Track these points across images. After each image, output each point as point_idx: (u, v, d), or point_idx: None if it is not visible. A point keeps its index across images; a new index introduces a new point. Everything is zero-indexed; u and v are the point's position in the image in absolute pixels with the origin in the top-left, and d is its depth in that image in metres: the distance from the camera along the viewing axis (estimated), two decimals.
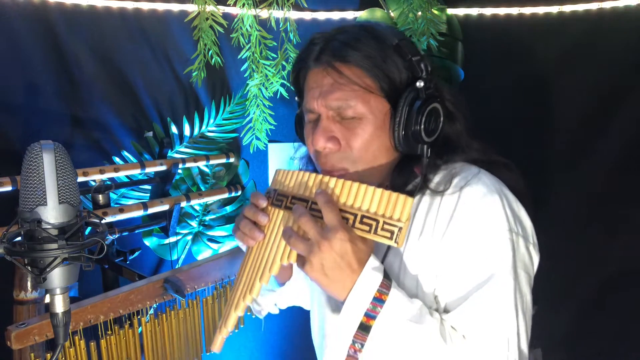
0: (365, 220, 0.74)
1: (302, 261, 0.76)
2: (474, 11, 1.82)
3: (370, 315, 0.73)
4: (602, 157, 1.77)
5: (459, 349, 0.75)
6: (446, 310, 0.81)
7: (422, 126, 0.82)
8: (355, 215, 0.75)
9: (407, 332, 0.74)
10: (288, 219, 0.81)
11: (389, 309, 0.73)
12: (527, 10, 1.77)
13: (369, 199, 0.75)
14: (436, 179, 0.86)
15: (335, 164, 0.86)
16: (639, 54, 1.67)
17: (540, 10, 1.76)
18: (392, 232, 0.72)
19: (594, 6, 1.72)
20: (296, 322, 1.17)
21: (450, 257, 0.80)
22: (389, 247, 0.84)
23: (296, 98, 0.96)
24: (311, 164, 0.97)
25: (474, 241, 0.79)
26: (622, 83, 1.71)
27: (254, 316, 1.13)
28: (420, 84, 0.81)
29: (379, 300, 0.73)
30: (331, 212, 0.74)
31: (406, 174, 0.85)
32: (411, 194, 0.78)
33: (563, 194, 1.79)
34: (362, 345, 0.74)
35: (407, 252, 0.84)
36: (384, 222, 0.73)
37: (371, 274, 0.74)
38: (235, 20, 1.61)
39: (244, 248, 0.90)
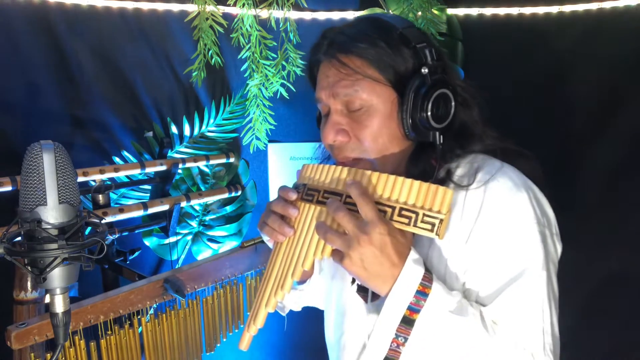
0: (404, 212, 0.73)
1: (339, 255, 0.76)
2: (474, 11, 1.82)
3: (413, 309, 0.73)
4: (602, 157, 1.77)
5: (501, 338, 0.76)
6: (479, 305, 0.81)
7: (430, 112, 0.81)
8: (393, 208, 0.74)
9: (450, 324, 0.74)
10: (320, 214, 0.81)
11: (432, 302, 0.73)
12: (527, 10, 1.77)
13: (406, 191, 0.74)
14: (459, 171, 0.85)
15: (347, 155, 0.86)
16: (639, 54, 1.67)
17: (540, 10, 1.76)
18: (433, 224, 0.71)
19: (594, 6, 1.72)
20: (296, 321, 1.18)
21: (480, 253, 0.80)
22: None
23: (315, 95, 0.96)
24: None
25: (504, 237, 0.79)
26: (622, 83, 1.71)
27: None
28: (425, 70, 0.81)
29: (422, 293, 0.73)
30: (367, 205, 0.74)
31: (422, 162, 0.85)
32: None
33: (562, 194, 1.79)
34: (406, 340, 0.74)
35: (433, 247, 0.83)
36: (424, 214, 0.72)
37: (413, 268, 0.74)
38: (235, 20, 1.61)
39: (270, 244, 0.90)
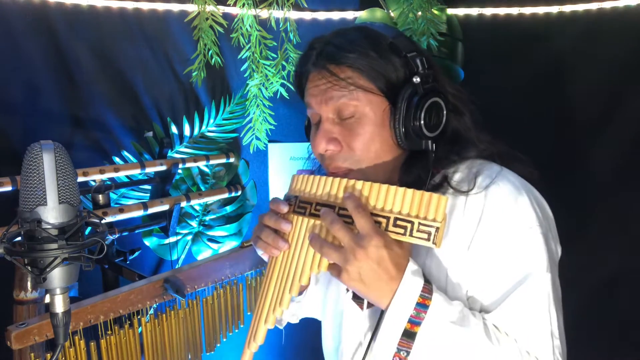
0: (399, 222, 0.72)
1: (336, 270, 0.75)
2: (474, 11, 1.82)
3: (414, 322, 0.72)
4: (602, 157, 1.77)
5: (505, 347, 0.75)
6: (484, 311, 0.80)
7: (422, 121, 0.81)
8: (388, 219, 0.73)
9: (452, 335, 0.72)
10: (313, 227, 0.79)
11: (433, 314, 0.72)
12: (527, 10, 1.78)
13: (400, 200, 0.73)
14: (457, 177, 0.84)
15: (339, 165, 0.85)
16: (639, 54, 1.67)
17: (540, 10, 1.77)
18: (429, 233, 0.70)
19: (594, 6, 1.72)
20: (299, 323, 1.17)
21: (484, 259, 0.79)
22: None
23: (304, 101, 0.95)
24: None
25: (508, 241, 0.78)
26: (622, 83, 1.71)
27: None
28: (416, 79, 0.81)
29: (422, 305, 0.72)
30: (363, 218, 0.72)
31: (415, 171, 0.84)
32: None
33: (562, 194, 1.79)
34: (408, 353, 0.72)
35: (432, 255, 0.82)
36: (420, 224, 0.71)
37: (412, 280, 0.73)
38: (235, 20, 1.61)
39: (265, 258, 0.88)
